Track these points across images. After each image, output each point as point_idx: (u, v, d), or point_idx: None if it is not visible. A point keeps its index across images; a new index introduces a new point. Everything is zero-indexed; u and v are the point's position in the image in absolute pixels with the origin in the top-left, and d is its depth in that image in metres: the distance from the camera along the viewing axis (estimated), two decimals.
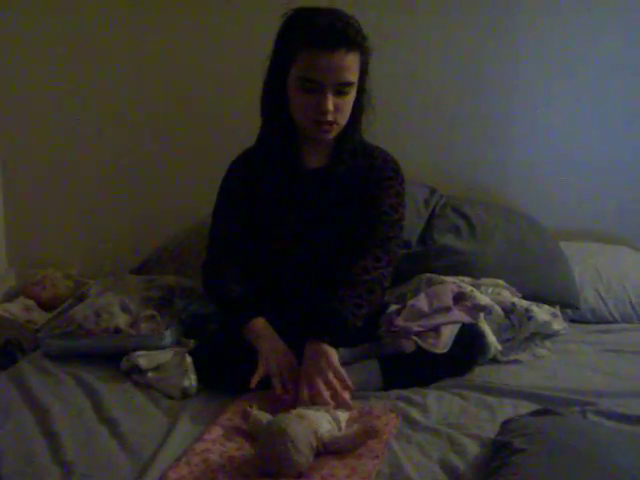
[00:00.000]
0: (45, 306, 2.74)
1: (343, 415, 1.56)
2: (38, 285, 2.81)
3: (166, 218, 2.74)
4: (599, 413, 1.56)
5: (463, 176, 2.65)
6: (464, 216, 2.38)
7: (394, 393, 1.73)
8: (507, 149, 2.65)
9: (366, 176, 1.92)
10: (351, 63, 1.74)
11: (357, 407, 1.63)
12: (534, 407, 1.61)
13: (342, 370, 1.67)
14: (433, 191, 2.48)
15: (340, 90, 1.76)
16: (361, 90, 1.86)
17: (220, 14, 2.64)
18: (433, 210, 2.40)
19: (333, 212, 1.91)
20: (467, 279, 2.12)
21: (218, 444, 1.47)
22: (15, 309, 2.70)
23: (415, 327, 1.81)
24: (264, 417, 1.50)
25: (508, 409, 1.63)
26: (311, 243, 1.91)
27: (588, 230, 2.65)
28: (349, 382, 1.65)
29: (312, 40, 1.72)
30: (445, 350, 1.78)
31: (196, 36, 2.66)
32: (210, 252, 1.99)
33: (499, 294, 2.06)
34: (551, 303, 2.14)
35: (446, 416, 1.62)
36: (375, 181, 1.92)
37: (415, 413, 1.62)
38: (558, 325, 2.04)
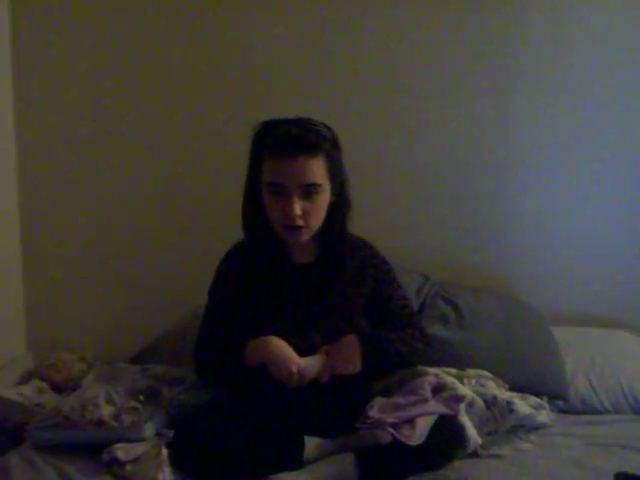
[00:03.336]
0: (59, 389, 2.79)
1: None
2: (52, 368, 2.86)
3: (172, 307, 2.80)
4: None
5: (457, 259, 2.69)
6: (454, 305, 2.39)
7: None
8: (503, 230, 2.68)
9: (361, 272, 2.00)
10: (313, 167, 1.82)
11: None
12: None
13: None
14: (426, 279, 2.51)
15: (308, 191, 1.83)
16: (340, 189, 1.93)
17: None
18: (424, 300, 2.42)
19: (322, 307, 1.96)
20: (453, 370, 2.12)
21: None
22: (28, 391, 2.76)
23: (390, 418, 1.82)
24: None
25: None
26: (301, 339, 1.95)
27: (588, 313, 2.65)
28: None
29: (274, 148, 1.82)
30: (420, 442, 1.77)
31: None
32: (201, 341, 2.04)
33: (483, 385, 2.06)
34: (539, 394, 2.12)
35: None
36: (380, 280, 2.03)
37: None
38: (544, 417, 2.01)
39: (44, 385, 2.80)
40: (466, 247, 2.69)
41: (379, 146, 2.69)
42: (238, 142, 2.51)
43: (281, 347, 1.87)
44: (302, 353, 1.89)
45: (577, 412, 2.19)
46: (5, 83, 2.79)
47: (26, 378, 2.90)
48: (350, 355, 1.89)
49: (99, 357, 2.91)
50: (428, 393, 1.91)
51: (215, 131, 2.75)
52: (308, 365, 1.86)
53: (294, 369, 1.84)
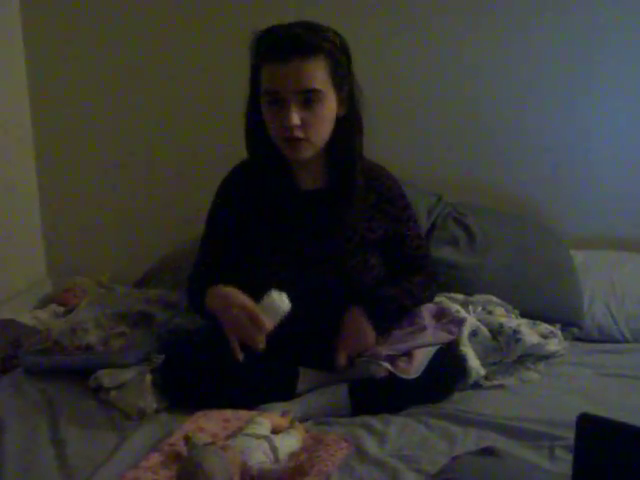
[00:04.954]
0: None
1: (287, 444, 1.50)
2: (69, 292, 2.86)
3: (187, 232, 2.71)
4: (568, 449, 1.42)
5: (474, 179, 2.50)
6: (465, 227, 2.25)
7: (360, 420, 1.65)
8: (522, 147, 2.48)
9: (376, 206, 1.83)
10: (311, 70, 1.65)
11: (311, 434, 1.57)
12: (498, 440, 1.51)
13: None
14: (439, 199, 2.35)
15: (306, 99, 1.66)
16: (349, 104, 1.75)
17: None
18: (434, 221, 2.28)
19: (328, 236, 1.81)
20: (460, 296, 2.01)
21: (150, 472, 1.43)
22: (44, 316, 2.76)
23: (385, 351, 1.72)
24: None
25: (470, 441, 1.53)
26: (304, 268, 1.80)
27: (614, 236, 2.45)
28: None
29: (268, 53, 1.66)
30: (416, 375, 1.68)
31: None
32: (196, 266, 1.94)
33: (491, 312, 1.93)
34: (552, 321, 2.00)
35: (402, 447, 1.52)
36: (396, 218, 1.86)
37: (371, 443, 1.54)
38: (555, 346, 1.89)
39: (60, 309, 2.81)
40: (484, 166, 2.50)
41: (394, 60, 2.50)
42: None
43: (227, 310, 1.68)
44: (312, 296, 1.76)
45: (594, 341, 2.06)
46: None
47: (45, 303, 2.90)
48: (361, 336, 1.77)
49: (116, 282, 2.90)
50: (426, 321, 1.80)
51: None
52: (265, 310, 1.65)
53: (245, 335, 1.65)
